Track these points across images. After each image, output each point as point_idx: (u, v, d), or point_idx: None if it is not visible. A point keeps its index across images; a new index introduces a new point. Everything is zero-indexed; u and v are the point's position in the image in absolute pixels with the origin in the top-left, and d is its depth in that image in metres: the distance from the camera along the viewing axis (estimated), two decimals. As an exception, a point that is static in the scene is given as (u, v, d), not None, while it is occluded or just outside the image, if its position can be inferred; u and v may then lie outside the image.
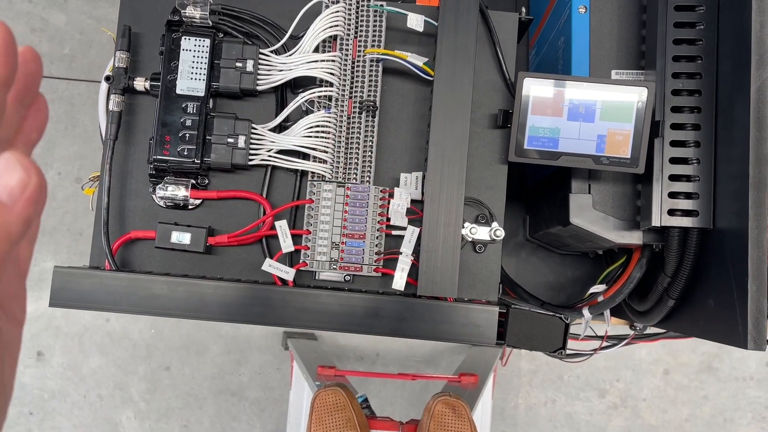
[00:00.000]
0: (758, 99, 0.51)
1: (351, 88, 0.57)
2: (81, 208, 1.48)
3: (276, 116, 0.57)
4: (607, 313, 0.74)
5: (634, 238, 0.61)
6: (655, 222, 0.57)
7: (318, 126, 0.55)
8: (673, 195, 0.57)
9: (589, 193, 0.62)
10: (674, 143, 0.57)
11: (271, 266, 0.54)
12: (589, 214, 0.62)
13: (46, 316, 1.43)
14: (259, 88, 0.57)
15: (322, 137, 0.55)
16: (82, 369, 1.43)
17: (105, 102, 0.67)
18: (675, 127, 0.57)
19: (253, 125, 0.56)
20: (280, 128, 0.58)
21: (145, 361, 1.43)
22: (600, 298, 0.71)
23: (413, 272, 0.55)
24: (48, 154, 1.48)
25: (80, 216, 1.47)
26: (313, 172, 0.56)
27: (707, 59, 0.57)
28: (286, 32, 0.57)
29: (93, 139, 1.50)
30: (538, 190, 0.78)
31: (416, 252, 0.55)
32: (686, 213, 0.57)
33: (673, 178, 0.57)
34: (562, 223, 0.65)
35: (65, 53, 1.51)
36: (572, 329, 0.70)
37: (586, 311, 0.72)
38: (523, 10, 0.62)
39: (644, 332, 0.86)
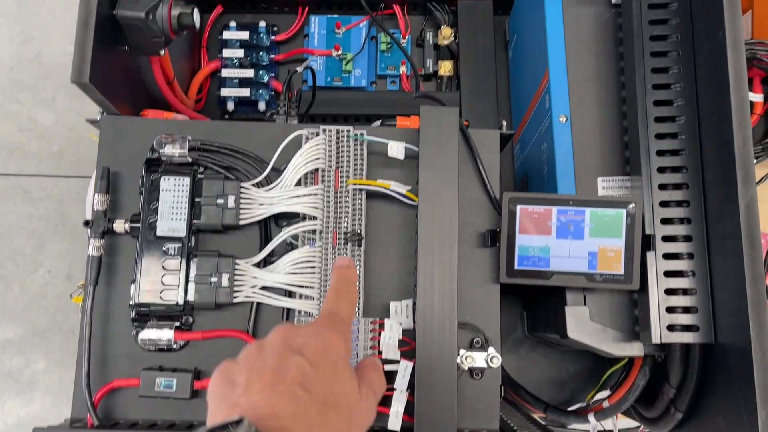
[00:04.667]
0: (748, 215, 0.50)
1: (335, 219, 0.56)
2: (72, 306, 1.46)
3: (260, 250, 0.56)
4: (614, 417, 0.71)
5: (635, 349, 0.59)
6: (655, 340, 0.55)
7: (302, 262, 0.54)
8: (670, 309, 0.55)
9: (585, 304, 0.60)
10: (667, 256, 0.56)
11: (260, 410, 0.52)
12: (587, 327, 0.60)
13: (38, 419, 1.39)
14: (241, 222, 0.56)
15: (308, 273, 0.54)
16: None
17: (92, 200, 0.66)
18: (666, 239, 0.56)
19: (237, 261, 0.55)
20: (265, 262, 0.56)
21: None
22: (605, 404, 0.69)
23: (409, 408, 0.53)
24: (38, 253, 1.46)
25: (72, 313, 1.45)
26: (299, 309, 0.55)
27: (692, 170, 0.56)
28: (268, 164, 0.57)
29: (83, 235, 1.48)
30: (533, 288, 0.76)
31: (411, 386, 0.53)
32: (686, 328, 0.55)
33: (670, 291, 0.56)
34: (559, 333, 0.63)
35: (54, 151, 1.51)
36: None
37: (591, 417, 0.70)
38: (504, 123, 0.62)
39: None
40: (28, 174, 1.51)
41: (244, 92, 0.84)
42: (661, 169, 0.57)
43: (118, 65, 0.59)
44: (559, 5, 0.65)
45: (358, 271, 0.56)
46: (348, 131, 0.57)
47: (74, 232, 1.47)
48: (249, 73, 0.84)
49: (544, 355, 0.84)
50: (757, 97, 0.84)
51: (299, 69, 0.66)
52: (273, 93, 0.86)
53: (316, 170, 0.56)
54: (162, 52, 0.60)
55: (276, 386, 0.36)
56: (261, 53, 0.85)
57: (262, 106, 0.85)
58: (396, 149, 0.56)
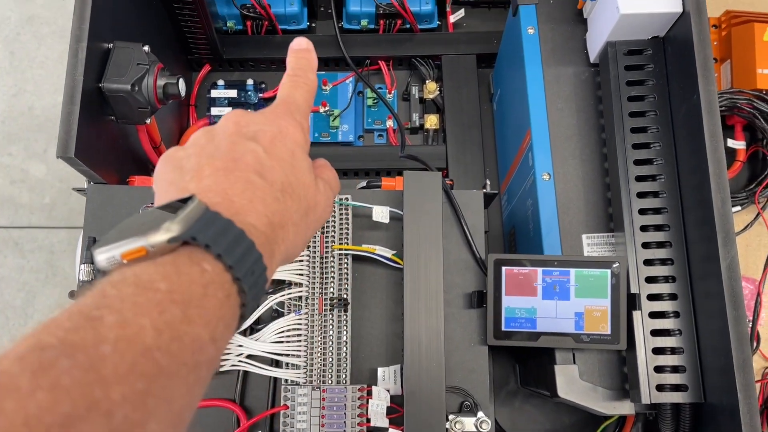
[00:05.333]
0: (730, 276, 0.51)
1: (321, 284, 0.56)
2: (62, 360, 1.44)
3: (246, 317, 0.56)
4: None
5: (626, 408, 0.59)
6: (645, 400, 0.55)
7: (289, 330, 0.54)
8: (659, 369, 0.55)
9: (574, 363, 0.60)
10: (653, 314, 0.56)
11: (248, 483, 0.52)
12: (577, 386, 0.60)
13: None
14: (227, 290, 0.56)
15: (294, 341, 0.54)
16: None
17: (78, 269, 0.66)
18: (652, 298, 0.56)
19: (224, 329, 0.55)
20: (251, 330, 0.56)
21: None
22: (599, 461, 0.68)
23: (398, 477, 0.52)
24: (28, 305, 1.45)
25: (62, 367, 1.43)
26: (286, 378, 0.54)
27: (674, 228, 0.57)
28: (253, 230, 0.57)
29: (74, 286, 1.47)
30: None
31: (400, 454, 0.53)
32: (675, 387, 0.55)
33: (657, 351, 0.55)
34: (549, 391, 0.62)
35: (45, 202, 1.52)
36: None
37: (586, 474, 0.69)
38: (488, 182, 0.63)
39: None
40: (18, 226, 1.51)
41: (233, 149, 0.85)
42: (643, 228, 0.58)
43: (104, 135, 0.60)
44: (538, 65, 0.66)
45: (344, 336, 0.55)
46: (333, 196, 0.57)
47: (64, 284, 1.47)
48: (237, 130, 0.85)
49: (537, 407, 0.83)
50: (739, 144, 0.85)
51: (285, 132, 0.67)
52: (261, 149, 0.87)
53: (302, 236, 0.56)
54: (148, 120, 0.61)
55: (230, 172, 0.33)
56: (249, 110, 0.86)
57: (250, 162, 0.86)
58: (380, 214, 0.56)
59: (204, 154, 0.34)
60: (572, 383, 0.60)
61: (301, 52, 0.42)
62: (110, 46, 0.59)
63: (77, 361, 0.22)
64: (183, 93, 0.60)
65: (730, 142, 0.84)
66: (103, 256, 0.28)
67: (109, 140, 0.61)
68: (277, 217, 0.33)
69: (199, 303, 0.27)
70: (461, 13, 0.91)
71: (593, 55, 0.65)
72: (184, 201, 0.29)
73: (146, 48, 0.59)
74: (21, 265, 1.46)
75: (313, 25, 0.90)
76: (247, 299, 0.29)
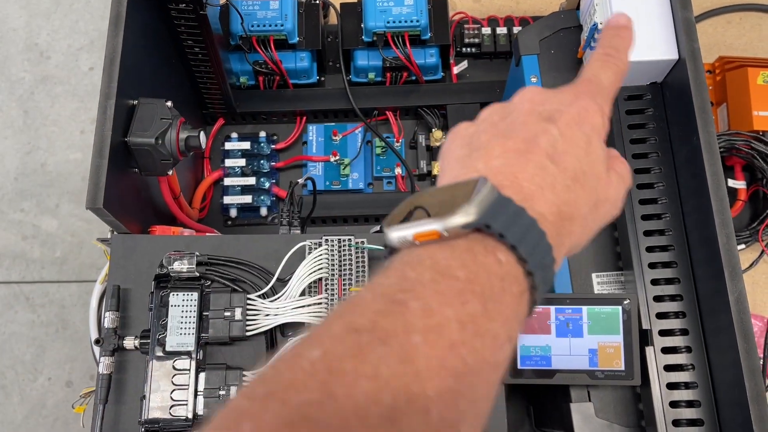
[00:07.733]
0: (739, 310, 0.52)
1: (339, 327, 0.57)
2: (72, 415, 1.43)
3: (267, 361, 0.57)
4: None
5: (643, 445, 0.60)
6: (662, 436, 0.55)
7: (309, 372, 0.55)
8: (674, 404, 0.56)
9: (590, 400, 0.61)
10: (665, 350, 0.57)
11: None
12: (593, 424, 0.60)
13: None
14: (248, 334, 0.57)
15: (315, 383, 0.55)
16: None
17: (96, 306, 0.67)
18: (663, 333, 0.58)
19: (244, 372, 0.56)
20: (272, 373, 0.57)
21: None
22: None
23: None
24: (38, 360, 1.45)
25: (71, 422, 1.43)
26: None
27: (682, 265, 0.59)
28: (273, 274, 0.58)
29: (84, 340, 1.48)
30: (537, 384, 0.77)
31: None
32: (691, 422, 0.56)
33: (671, 386, 0.56)
34: (565, 431, 0.63)
35: (57, 256, 1.54)
36: None
37: None
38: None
39: None
40: (30, 281, 1.53)
41: (247, 199, 0.87)
42: (651, 265, 0.59)
43: (128, 186, 0.63)
44: (542, 112, 0.69)
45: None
46: (349, 240, 0.59)
47: (75, 338, 1.47)
48: (251, 180, 0.88)
49: (553, 450, 0.83)
50: (740, 184, 0.88)
51: (300, 181, 0.69)
52: (274, 198, 0.89)
53: (320, 279, 0.58)
54: (170, 172, 0.64)
55: (522, 154, 0.30)
56: (262, 161, 0.89)
57: (263, 211, 0.88)
58: (396, 257, 0.58)
59: (496, 132, 0.31)
60: (588, 421, 0.60)
61: (618, 29, 0.37)
62: (135, 102, 0.62)
63: (392, 349, 0.21)
64: (204, 145, 0.63)
65: (731, 182, 0.86)
66: (395, 234, 0.27)
67: (132, 191, 0.64)
68: (566, 207, 0.30)
69: (498, 298, 0.25)
70: (464, 64, 0.95)
71: (594, 102, 0.68)
72: (472, 181, 0.27)
73: (169, 103, 0.62)
74: (32, 320, 1.47)
75: (323, 78, 0.94)
76: (537, 296, 0.27)
